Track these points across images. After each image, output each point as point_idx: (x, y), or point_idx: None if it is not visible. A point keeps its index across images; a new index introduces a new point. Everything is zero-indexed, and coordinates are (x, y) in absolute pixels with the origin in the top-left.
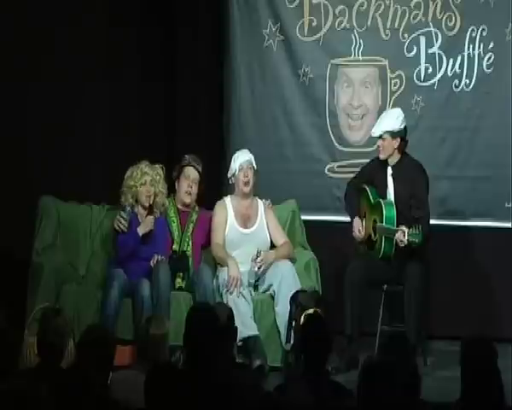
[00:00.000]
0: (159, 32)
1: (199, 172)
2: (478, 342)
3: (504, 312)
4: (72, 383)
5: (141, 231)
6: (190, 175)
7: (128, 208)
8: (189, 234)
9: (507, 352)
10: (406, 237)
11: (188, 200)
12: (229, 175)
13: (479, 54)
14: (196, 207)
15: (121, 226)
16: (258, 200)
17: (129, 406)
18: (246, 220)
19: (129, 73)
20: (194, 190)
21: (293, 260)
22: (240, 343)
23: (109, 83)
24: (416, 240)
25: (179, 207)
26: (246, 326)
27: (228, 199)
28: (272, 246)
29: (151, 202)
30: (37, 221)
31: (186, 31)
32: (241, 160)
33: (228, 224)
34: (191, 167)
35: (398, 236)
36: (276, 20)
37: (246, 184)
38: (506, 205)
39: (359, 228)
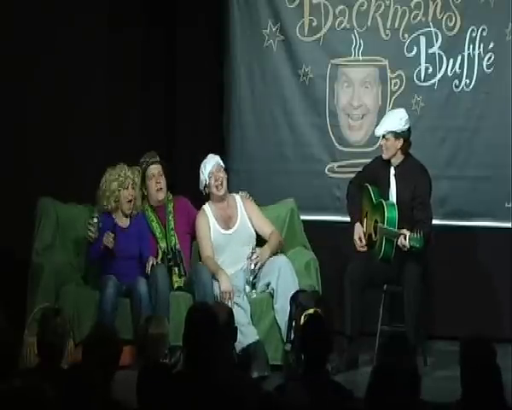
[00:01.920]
0: (159, 32)
1: (160, 163)
2: (476, 341)
3: (504, 312)
4: (75, 382)
5: (102, 246)
6: (154, 172)
7: (96, 217)
8: (171, 227)
9: (507, 352)
10: (407, 241)
11: (161, 196)
12: (201, 188)
13: (479, 54)
14: (170, 196)
15: (90, 233)
16: (235, 195)
17: (128, 406)
18: (227, 221)
19: (129, 72)
20: (163, 183)
21: (283, 246)
22: (240, 353)
23: (109, 83)
24: (418, 245)
25: (154, 205)
26: (244, 335)
27: (207, 206)
28: (259, 237)
29: (131, 207)
30: (36, 222)
31: (186, 31)
32: (209, 166)
33: (211, 230)
34: (152, 165)
35: (400, 241)
36: (276, 20)
37: (219, 186)
38: (506, 205)
39: (360, 236)
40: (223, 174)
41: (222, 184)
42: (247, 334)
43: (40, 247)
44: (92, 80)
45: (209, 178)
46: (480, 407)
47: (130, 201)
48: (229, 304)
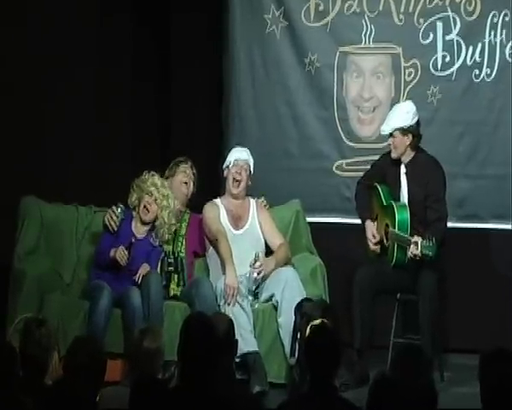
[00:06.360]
0: (152, 18)
1: (193, 172)
2: (497, 355)
3: None
4: (58, 399)
5: (112, 253)
6: (187, 172)
7: (121, 207)
8: (182, 233)
9: None
10: (419, 249)
11: (185, 190)
12: (224, 166)
13: (501, 41)
14: (188, 210)
15: (111, 223)
16: (250, 199)
17: None
18: (237, 220)
19: (122, 61)
20: (190, 186)
21: (290, 261)
22: (238, 360)
23: (102, 71)
24: (430, 253)
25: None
26: (244, 341)
27: (218, 200)
28: (267, 247)
29: (148, 219)
30: (19, 223)
31: (181, 16)
32: (238, 156)
33: (221, 221)
34: (187, 165)
35: (412, 250)
36: (280, 5)
37: (236, 182)
38: None
39: (373, 233)
40: (245, 175)
41: (240, 183)
42: (247, 340)
43: (22, 251)
44: (83, 69)
45: (233, 164)
46: None
47: (146, 208)
48: (232, 302)
